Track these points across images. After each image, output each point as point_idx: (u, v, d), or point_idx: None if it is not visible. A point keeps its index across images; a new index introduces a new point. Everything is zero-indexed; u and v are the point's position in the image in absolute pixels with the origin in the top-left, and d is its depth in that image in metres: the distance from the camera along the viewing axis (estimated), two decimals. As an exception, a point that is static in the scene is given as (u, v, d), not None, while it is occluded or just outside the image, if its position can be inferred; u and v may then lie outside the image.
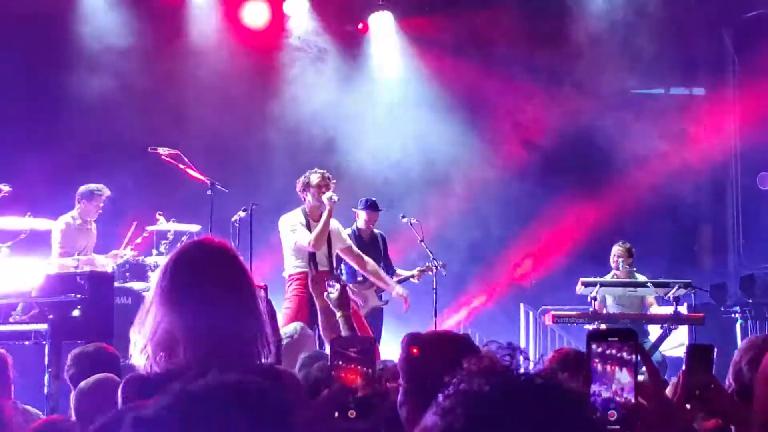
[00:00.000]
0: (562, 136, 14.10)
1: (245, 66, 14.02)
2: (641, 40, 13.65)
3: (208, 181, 11.30)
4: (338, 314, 6.36)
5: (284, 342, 6.60)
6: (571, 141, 14.12)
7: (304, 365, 5.53)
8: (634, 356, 2.64)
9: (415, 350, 3.39)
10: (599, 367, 2.64)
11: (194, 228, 11.57)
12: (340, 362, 2.99)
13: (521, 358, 2.59)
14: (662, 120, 13.70)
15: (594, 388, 2.63)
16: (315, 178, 10.28)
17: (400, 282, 11.82)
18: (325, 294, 6.21)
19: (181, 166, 11.25)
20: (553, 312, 11.54)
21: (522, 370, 1.85)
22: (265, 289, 4.46)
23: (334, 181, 10.37)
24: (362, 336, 5.62)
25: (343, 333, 4.90)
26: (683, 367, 3.00)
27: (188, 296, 3.10)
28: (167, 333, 3.07)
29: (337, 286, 6.06)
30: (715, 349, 3.12)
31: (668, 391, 3.03)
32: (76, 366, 5.68)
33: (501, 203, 13.95)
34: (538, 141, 14.10)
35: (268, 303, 4.38)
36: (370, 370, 2.97)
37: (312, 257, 10.30)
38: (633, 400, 2.60)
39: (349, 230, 11.69)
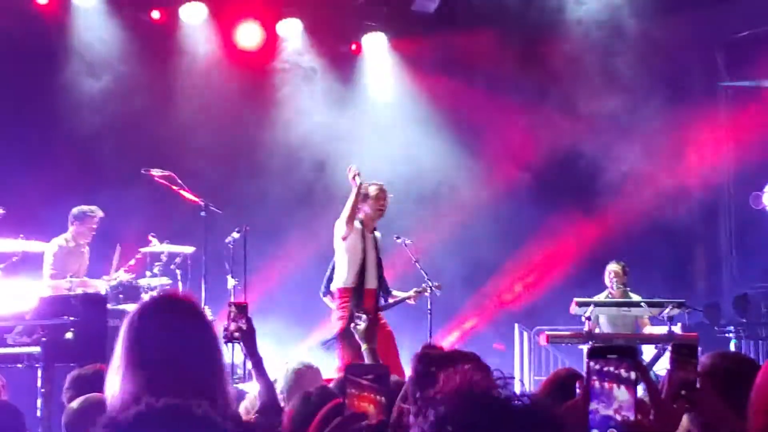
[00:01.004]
0: (554, 157, 14.11)
1: (239, 87, 14.02)
2: (633, 62, 13.68)
3: (202, 203, 11.29)
4: (364, 347, 6.34)
5: (289, 376, 6.53)
6: (562, 162, 14.12)
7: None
8: (633, 374, 2.63)
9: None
10: (598, 384, 2.63)
11: (188, 249, 11.55)
12: (353, 390, 2.95)
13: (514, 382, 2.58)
14: (655, 141, 13.70)
15: (593, 405, 2.62)
16: (373, 190, 10.28)
17: (395, 303, 11.80)
18: (352, 326, 6.19)
19: (175, 187, 11.24)
20: (547, 332, 11.53)
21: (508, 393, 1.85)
22: (246, 307, 4.44)
23: (391, 194, 10.42)
24: (376, 364, 5.59)
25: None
26: (668, 366, 3.00)
27: (151, 350, 3.11)
28: (131, 383, 3.07)
29: (364, 317, 6.05)
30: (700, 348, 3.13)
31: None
32: (74, 388, 5.65)
33: (493, 224, 13.95)
34: (530, 162, 14.11)
35: (248, 321, 4.37)
36: (383, 399, 2.94)
37: (361, 272, 10.21)
38: (632, 418, 2.59)
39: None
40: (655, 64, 13.75)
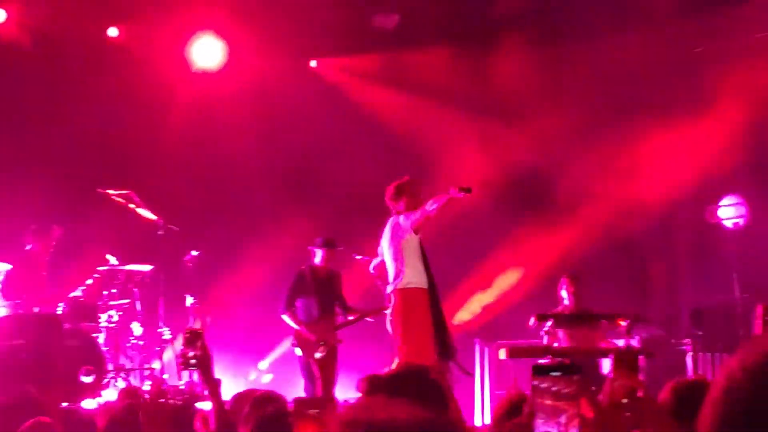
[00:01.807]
0: (509, 172, 14.12)
1: (195, 105, 13.96)
2: (586, 76, 13.75)
3: (160, 222, 11.26)
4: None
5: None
6: (518, 178, 14.15)
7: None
8: (578, 390, 2.65)
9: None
10: (542, 401, 2.65)
11: (145, 268, 11.50)
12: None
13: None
14: (611, 155, 13.76)
15: (539, 423, 2.64)
16: (407, 184, 10.23)
17: (355, 321, 11.82)
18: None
19: (132, 206, 11.20)
20: (506, 347, 11.55)
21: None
22: (201, 334, 4.43)
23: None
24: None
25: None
26: (610, 374, 3.02)
27: None
28: None
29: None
30: (641, 357, 3.15)
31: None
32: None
33: (450, 240, 13.96)
34: (485, 178, 14.12)
35: (204, 347, 4.35)
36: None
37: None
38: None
39: (305, 268, 11.70)
40: (612, 81, 13.80)
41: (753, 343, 1.52)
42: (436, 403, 3.74)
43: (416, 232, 10.09)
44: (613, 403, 3.01)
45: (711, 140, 13.12)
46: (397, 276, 10.16)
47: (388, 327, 10.23)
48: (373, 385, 3.80)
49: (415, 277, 10.11)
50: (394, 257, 10.18)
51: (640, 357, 3.15)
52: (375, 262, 10.67)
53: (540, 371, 2.69)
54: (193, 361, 4.32)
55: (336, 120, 14.71)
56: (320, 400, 9.42)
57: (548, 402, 2.66)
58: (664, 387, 4.20)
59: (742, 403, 1.49)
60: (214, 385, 4.39)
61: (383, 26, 14.57)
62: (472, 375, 11.76)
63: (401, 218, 10.14)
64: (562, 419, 2.64)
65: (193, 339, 4.34)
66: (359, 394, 3.99)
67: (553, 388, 2.65)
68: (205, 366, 4.34)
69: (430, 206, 9.89)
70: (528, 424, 2.62)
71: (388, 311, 10.32)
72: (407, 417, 1.78)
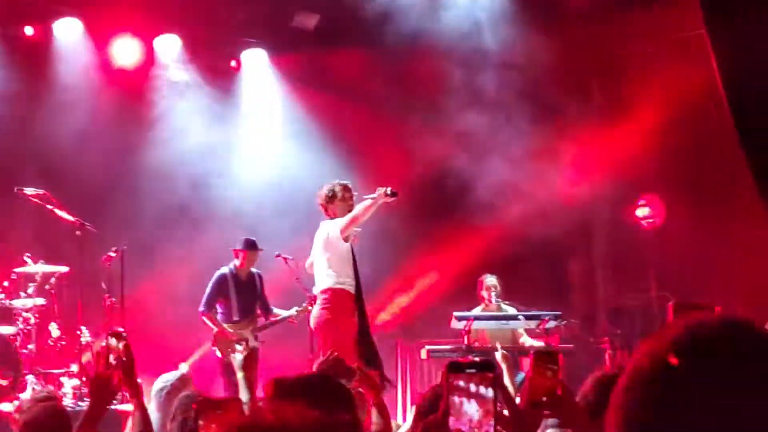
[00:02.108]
0: (427, 173, 14.15)
1: (115, 104, 13.82)
2: (502, 78, 13.81)
3: (77, 222, 11.13)
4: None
5: (163, 390, 6.49)
6: (436, 178, 14.18)
7: (181, 405, 5.42)
8: (491, 388, 2.67)
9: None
10: (457, 399, 2.66)
11: (62, 269, 11.35)
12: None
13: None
14: (529, 156, 13.85)
15: (452, 420, 2.65)
16: (341, 190, 10.30)
17: (277, 322, 11.79)
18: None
19: (49, 206, 11.05)
20: (427, 347, 11.63)
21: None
22: (121, 335, 4.37)
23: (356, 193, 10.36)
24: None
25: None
26: (529, 373, 3.04)
27: None
28: None
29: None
30: (561, 356, 3.18)
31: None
32: None
33: (372, 240, 13.97)
34: (403, 178, 14.13)
35: (127, 348, 4.30)
36: None
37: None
38: (492, 431, 2.63)
39: (226, 269, 11.64)
40: (529, 82, 13.88)
41: (660, 333, 1.56)
42: (341, 405, 3.77)
43: (346, 240, 10.19)
44: (531, 401, 3.02)
45: (628, 140, 13.29)
46: (325, 278, 10.21)
47: (312, 326, 10.27)
48: (279, 388, 3.80)
49: (343, 280, 10.18)
50: (323, 260, 10.24)
51: (560, 355, 3.16)
52: (309, 261, 10.71)
53: (455, 368, 2.70)
54: (114, 363, 4.27)
55: (254, 120, 14.70)
56: (225, 401, 9.50)
57: (463, 399, 2.67)
58: (585, 380, 4.26)
59: (647, 390, 1.52)
60: (137, 388, 4.35)
61: (304, 26, 14.54)
62: (393, 384, 11.78)
63: (332, 223, 10.21)
64: (477, 416, 2.65)
65: (116, 340, 4.28)
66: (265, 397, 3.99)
67: (468, 385, 2.66)
68: (129, 368, 4.29)
69: (358, 211, 10.02)
70: (443, 421, 2.63)
71: (313, 311, 10.37)
72: (297, 420, 1.79)
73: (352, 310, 10.19)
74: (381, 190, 10.02)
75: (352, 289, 10.22)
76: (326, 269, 10.21)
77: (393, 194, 9.96)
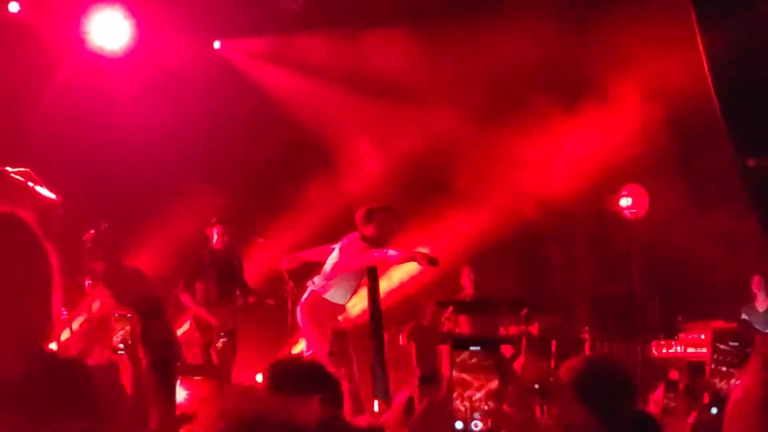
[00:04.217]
0: (409, 159, 14.10)
1: (92, 85, 13.63)
2: (488, 64, 13.76)
3: (58, 200, 11.03)
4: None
5: None
6: (418, 165, 14.13)
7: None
8: (495, 366, 2.65)
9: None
10: (461, 376, 2.64)
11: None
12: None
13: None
14: (511, 144, 13.83)
15: (455, 396, 2.62)
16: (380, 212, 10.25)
17: (256, 303, 11.76)
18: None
19: (31, 184, 10.95)
20: (407, 332, 11.59)
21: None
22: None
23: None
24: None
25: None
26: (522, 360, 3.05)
27: None
28: None
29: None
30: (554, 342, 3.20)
31: None
32: None
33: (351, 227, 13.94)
34: (384, 165, 14.07)
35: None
36: None
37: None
38: (495, 407, 2.60)
39: (204, 249, 11.58)
40: (510, 67, 13.83)
41: None
42: (334, 398, 3.79)
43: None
44: (525, 387, 3.02)
45: (611, 130, 13.29)
46: (325, 280, 10.18)
47: (298, 318, 10.29)
48: (277, 374, 3.79)
49: (338, 294, 10.16)
50: (334, 266, 10.18)
51: (553, 342, 3.18)
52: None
53: (459, 345, 2.67)
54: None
55: (240, 102, 14.58)
56: (204, 367, 9.58)
57: (465, 376, 2.65)
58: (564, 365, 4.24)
59: None
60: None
61: (288, 8, 14.46)
62: None
63: (361, 246, 10.14)
64: (482, 392, 2.63)
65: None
66: (261, 380, 3.95)
67: (474, 362, 2.64)
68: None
69: (390, 254, 10.01)
70: (446, 397, 2.60)
71: (297, 304, 10.44)
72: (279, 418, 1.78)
73: (334, 320, 10.29)
74: (423, 254, 9.94)
75: (342, 303, 10.29)
76: (331, 275, 10.24)
77: (432, 262, 9.85)
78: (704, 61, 9.68)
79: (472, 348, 2.67)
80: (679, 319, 12.56)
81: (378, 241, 10.07)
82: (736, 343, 3.84)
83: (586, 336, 12.46)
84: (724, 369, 3.82)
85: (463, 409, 2.62)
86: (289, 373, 3.83)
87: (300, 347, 13.12)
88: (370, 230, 10.12)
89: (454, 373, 2.65)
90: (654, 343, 12.26)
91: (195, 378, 2.74)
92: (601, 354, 10.79)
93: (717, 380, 3.88)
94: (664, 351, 12.12)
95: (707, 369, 3.94)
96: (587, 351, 12.17)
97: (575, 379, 3.78)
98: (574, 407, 3.21)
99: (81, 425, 2.63)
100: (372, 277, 10.19)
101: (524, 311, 11.31)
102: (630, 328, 12.50)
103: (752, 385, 2.76)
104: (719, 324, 11.96)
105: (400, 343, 12.08)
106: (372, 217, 10.14)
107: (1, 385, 2.59)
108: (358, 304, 12.53)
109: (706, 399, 3.92)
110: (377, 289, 10.36)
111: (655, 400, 4.43)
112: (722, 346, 3.89)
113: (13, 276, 2.75)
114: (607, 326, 12.80)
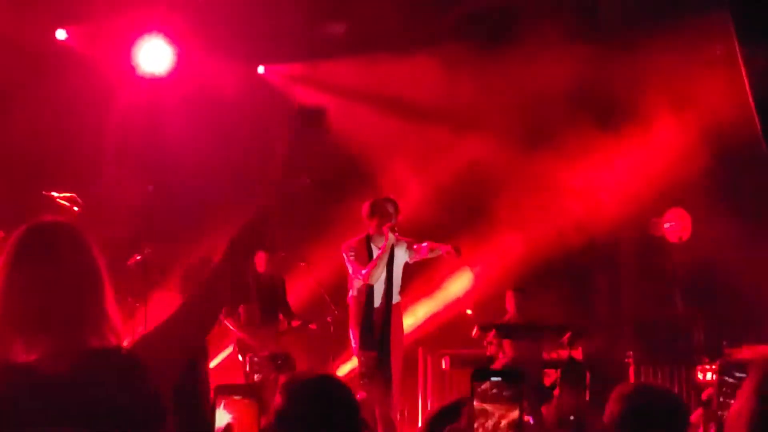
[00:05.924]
0: (455, 183, 14.08)
1: (137, 109, 13.77)
2: (530, 89, 13.73)
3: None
4: None
5: None
6: (464, 188, 14.11)
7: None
8: (518, 396, 2.65)
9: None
10: (482, 406, 2.64)
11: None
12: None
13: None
14: (555, 169, 13.77)
15: (477, 426, 2.63)
16: (379, 203, 10.21)
17: (301, 326, 11.79)
18: None
19: (76, 209, 11.03)
20: (449, 356, 11.59)
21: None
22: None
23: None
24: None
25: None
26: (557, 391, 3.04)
27: (16, 278, 2.93)
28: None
29: None
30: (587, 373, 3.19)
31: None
32: None
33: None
34: (431, 186, 14.06)
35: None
36: None
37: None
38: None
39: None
40: (552, 92, 13.79)
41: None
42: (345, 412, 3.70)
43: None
44: (559, 419, 3.02)
45: (652, 153, 13.22)
46: (351, 285, 10.22)
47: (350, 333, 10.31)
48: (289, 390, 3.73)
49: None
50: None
51: (587, 373, 3.16)
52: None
53: (480, 376, 2.67)
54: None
55: (283, 125, 14.62)
56: (246, 388, 9.64)
57: (487, 407, 2.65)
58: (610, 395, 4.22)
59: None
60: None
61: (333, 33, 14.56)
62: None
63: (403, 245, 10.18)
64: (502, 425, 2.63)
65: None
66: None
67: (493, 393, 2.64)
68: None
69: (429, 250, 10.18)
70: (466, 428, 2.61)
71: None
72: None
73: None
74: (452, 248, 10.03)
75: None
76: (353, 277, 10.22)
77: (457, 251, 10.01)
78: (746, 83, 9.62)
79: (493, 378, 2.67)
80: (724, 343, 12.41)
81: (380, 229, 10.08)
82: (743, 375, 3.80)
83: (630, 360, 12.37)
84: (731, 402, 3.79)
85: (483, 439, 2.63)
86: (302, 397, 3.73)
87: (345, 370, 13.18)
88: (374, 224, 10.13)
89: (476, 404, 2.65)
90: (699, 367, 12.14)
91: (236, 398, 2.77)
92: (652, 383, 10.68)
93: (724, 412, 3.84)
94: (709, 376, 11.98)
95: (714, 401, 3.91)
96: (631, 376, 12.09)
97: (628, 407, 3.77)
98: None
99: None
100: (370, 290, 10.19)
101: (567, 336, 11.25)
102: (674, 352, 12.39)
103: (743, 407, 2.75)
104: (766, 349, 11.82)
105: (443, 367, 12.07)
106: (373, 210, 10.17)
107: (50, 379, 2.73)
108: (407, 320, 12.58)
109: (712, 430, 3.90)
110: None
111: (694, 423, 4.41)
112: (729, 379, 3.85)
113: (68, 277, 2.96)
114: (651, 351, 12.69)
